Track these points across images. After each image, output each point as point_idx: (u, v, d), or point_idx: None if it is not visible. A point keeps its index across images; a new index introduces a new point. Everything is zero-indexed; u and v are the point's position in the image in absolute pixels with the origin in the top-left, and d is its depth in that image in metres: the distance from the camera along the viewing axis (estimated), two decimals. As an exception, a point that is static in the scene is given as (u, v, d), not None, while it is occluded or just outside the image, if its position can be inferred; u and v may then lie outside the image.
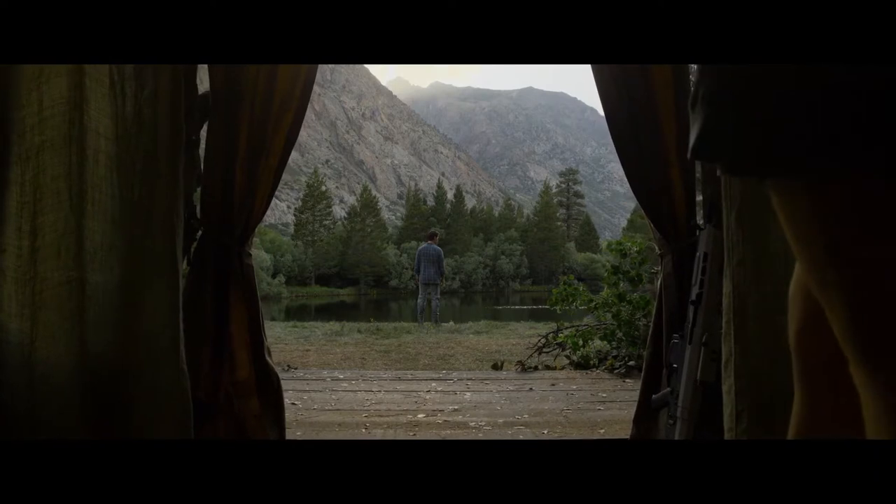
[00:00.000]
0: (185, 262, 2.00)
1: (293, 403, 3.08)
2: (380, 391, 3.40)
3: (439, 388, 3.49)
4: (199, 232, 2.01)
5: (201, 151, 2.06)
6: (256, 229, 2.13)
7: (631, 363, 3.97)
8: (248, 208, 2.05)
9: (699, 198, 2.17)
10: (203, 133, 2.08)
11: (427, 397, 3.24)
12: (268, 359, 2.03)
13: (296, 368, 4.35)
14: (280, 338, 8.86)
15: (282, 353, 6.82)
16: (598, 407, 3.02)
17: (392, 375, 3.96)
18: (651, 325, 2.14)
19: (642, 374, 2.14)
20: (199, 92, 2.02)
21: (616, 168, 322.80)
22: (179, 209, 1.61)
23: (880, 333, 0.65)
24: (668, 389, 1.89)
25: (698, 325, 1.80)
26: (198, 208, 2.01)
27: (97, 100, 1.71)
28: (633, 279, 4.43)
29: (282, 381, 3.73)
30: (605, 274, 4.58)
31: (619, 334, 4.35)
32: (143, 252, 1.56)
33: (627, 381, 3.75)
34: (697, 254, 1.88)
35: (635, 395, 3.38)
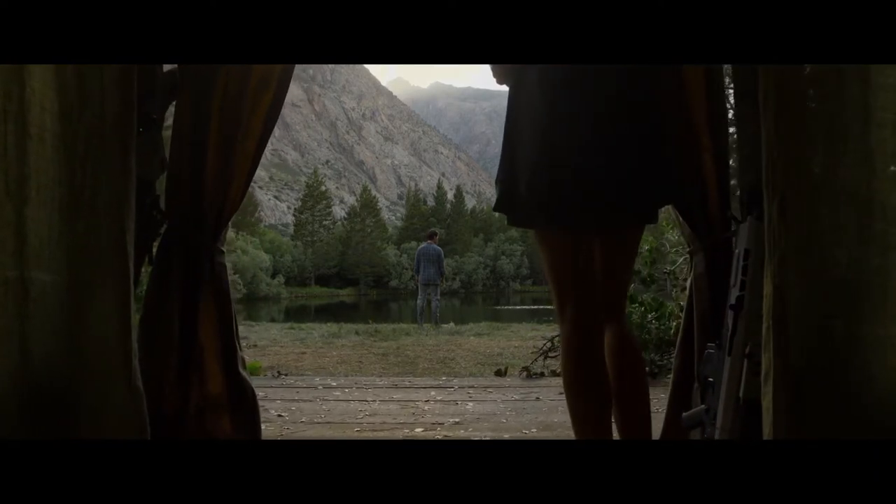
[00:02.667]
0: (148, 261, 1.75)
1: (279, 415, 2.83)
2: (374, 401, 3.15)
3: (439, 398, 3.24)
4: (164, 226, 1.76)
5: (167, 135, 1.82)
6: (230, 222, 1.88)
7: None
8: (221, 198, 1.79)
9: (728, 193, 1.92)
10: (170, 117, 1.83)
11: (426, 408, 2.99)
12: (242, 371, 1.78)
13: (286, 375, 4.10)
14: (276, 339, 8.62)
15: (276, 356, 6.58)
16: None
17: (388, 382, 3.70)
18: (680, 331, 1.88)
19: (670, 387, 1.89)
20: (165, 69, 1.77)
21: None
22: (131, 198, 1.35)
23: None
24: (703, 407, 1.64)
25: (739, 333, 1.55)
26: (162, 199, 1.76)
27: (42, 70, 1.46)
28: (644, 280, 4.17)
29: (270, 389, 3.49)
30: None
31: (630, 338, 4.09)
32: (88, 248, 1.30)
33: (641, 388, 3.50)
34: (736, 250, 1.63)
35: (651, 404, 3.14)
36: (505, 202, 1.48)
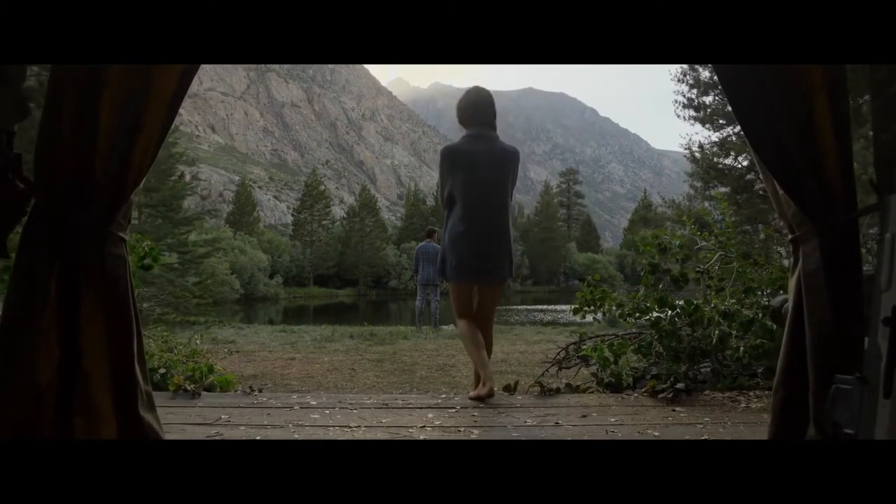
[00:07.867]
0: (4, 250, 1.20)
1: (238, 449, 2.26)
2: (359, 427, 2.59)
3: (437, 422, 2.68)
4: (31, 201, 1.21)
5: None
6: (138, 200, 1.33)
7: (679, 385, 3.15)
8: (119, 165, 1.24)
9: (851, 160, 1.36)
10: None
11: (420, 437, 2.43)
12: (144, 413, 1.22)
13: (259, 391, 3.53)
14: (265, 344, 8.08)
15: (263, 363, 6.04)
16: (656, 456, 2.20)
17: (378, 401, 3.14)
18: (782, 352, 1.33)
19: (770, 428, 1.33)
20: None
21: (616, 169, 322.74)
22: None
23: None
24: (835, 472, 1.09)
25: (905, 362, 0.99)
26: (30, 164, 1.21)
27: None
28: (676, 279, 3.62)
29: (237, 411, 2.90)
30: (642, 273, 3.77)
31: (658, 347, 3.54)
32: None
33: (678, 409, 2.94)
34: (885, 234, 1.08)
35: (696, 432, 2.59)
36: (441, 271, 3.33)
